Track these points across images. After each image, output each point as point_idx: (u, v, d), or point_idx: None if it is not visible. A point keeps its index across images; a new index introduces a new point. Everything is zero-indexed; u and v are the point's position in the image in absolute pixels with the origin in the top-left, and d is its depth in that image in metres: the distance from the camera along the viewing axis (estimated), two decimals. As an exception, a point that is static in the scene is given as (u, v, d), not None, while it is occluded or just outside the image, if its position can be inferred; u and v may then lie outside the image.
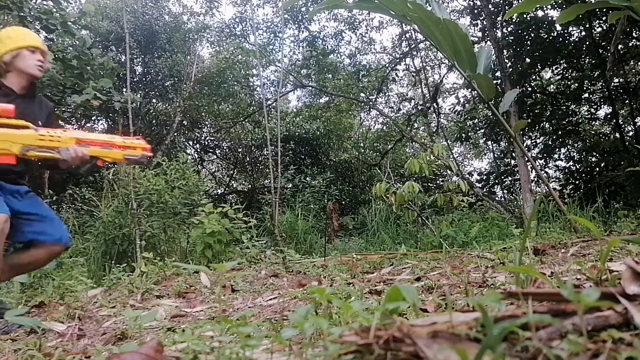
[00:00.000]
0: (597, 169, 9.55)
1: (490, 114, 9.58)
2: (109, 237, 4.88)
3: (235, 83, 12.33)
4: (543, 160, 10.70)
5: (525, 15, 8.14)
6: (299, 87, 13.00)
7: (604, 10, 6.74)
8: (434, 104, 10.65)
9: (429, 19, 2.06)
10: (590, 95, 10.09)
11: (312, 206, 8.83)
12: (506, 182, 11.44)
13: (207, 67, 12.78)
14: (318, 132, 12.56)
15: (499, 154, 12.35)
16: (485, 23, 8.38)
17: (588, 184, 8.95)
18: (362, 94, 12.88)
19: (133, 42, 10.45)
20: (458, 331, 0.45)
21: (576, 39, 8.94)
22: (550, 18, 8.33)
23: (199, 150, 14.41)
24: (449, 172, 7.77)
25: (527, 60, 8.99)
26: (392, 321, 0.48)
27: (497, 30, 8.44)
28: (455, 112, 12.04)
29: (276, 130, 8.26)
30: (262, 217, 7.49)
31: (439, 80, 12.07)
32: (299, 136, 12.49)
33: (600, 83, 9.14)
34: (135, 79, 11.49)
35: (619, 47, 7.91)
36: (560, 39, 8.72)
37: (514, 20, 8.32)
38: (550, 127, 10.07)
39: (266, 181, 12.68)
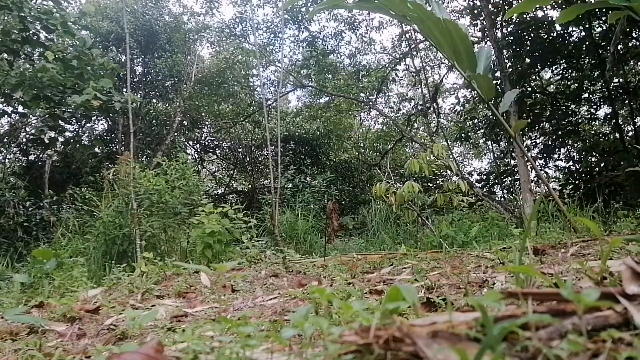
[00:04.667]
0: (597, 169, 9.54)
1: (490, 114, 9.58)
2: (109, 237, 4.88)
3: (235, 83, 12.34)
4: (543, 160, 10.69)
5: (525, 15, 8.14)
6: (299, 87, 13.01)
7: (604, 10, 6.74)
8: (434, 104, 10.65)
9: (429, 19, 2.06)
10: (590, 96, 10.09)
11: (312, 206, 8.83)
12: (506, 182, 11.43)
13: (207, 67, 12.78)
14: (318, 132, 12.57)
15: (498, 154, 12.34)
16: (485, 23, 8.37)
17: (588, 184, 8.94)
18: (362, 94, 12.88)
19: (133, 43, 10.45)
20: (458, 331, 0.45)
21: (576, 39, 8.93)
22: (550, 18, 8.34)
23: (199, 150, 14.42)
24: (449, 172, 7.76)
25: (527, 60, 8.99)
26: (392, 321, 0.48)
27: (497, 31, 8.44)
28: (455, 112, 12.04)
29: (276, 130, 8.26)
30: (262, 217, 7.49)
31: (438, 80, 12.07)
32: (299, 136, 12.50)
33: (600, 83, 9.14)
34: (135, 79, 11.50)
35: (619, 47, 7.91)
36: (560, 39, 8.72)
37: (513, 20, 8.32)
38: (550, 127, 10.07)
39: (266, 181, 12.69)
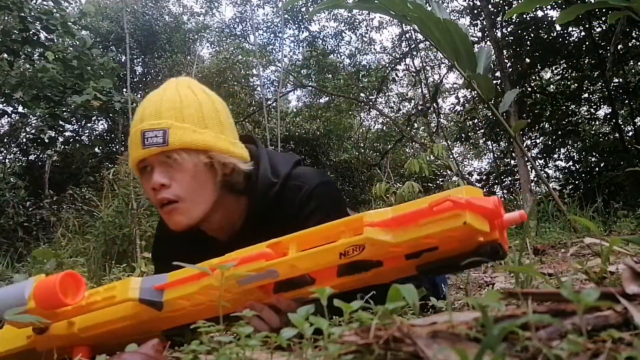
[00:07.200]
0: (597, 169, 9.54)
1: (490, 114, 9.59)
2: (109, 237, 4.88)
3: (235, 83, 12.35)
4: (543, 160, 10.70)
5: (525, 16, 8.15)
6: (299, 87, 13.02)
7: (604, 10, 6.74)
8: (434, 104, 10.66)
9: (429, 19, 2.06)
10: (590, 96, 10.09)
11: (312, 206, 8.82)
12: (506, 182, 11.45)
13: (207, 67, 12.79)
14: (318, 132, 12.58)
15: (498, 154, 12.35)
16: (485, 23, 8.38)
17: (588, 184, 8.94)
18: (362, 94, 12.89)
19: (133, 43, 10.45)
20: (458, 331, 0.45)
21: (576, 39, 8.94)
22: (550, 18, 8.34)
23: (199, 150, 14.41)
24: (449, 172, 7.76)
25: (527, 60, 8.99)
26: (392, 321, 0.48)
27: (497, 31, 8.44)
28: (455, 112, 12.04)
29: (276, 130, 8.26)
30: (262, 217, 7.47)
31: (438, 80, 12.08)
32: (299, 136, 12.51)
33: (600, 83, 9.14)
34: (135, 79, 11.50)
35: (619, 47, 7.91)
36: (560, 39, 8.72)
37: (513, 20, 8.33)
38: (550, 127, 10.08)
39: (266, 181, 12.68)
